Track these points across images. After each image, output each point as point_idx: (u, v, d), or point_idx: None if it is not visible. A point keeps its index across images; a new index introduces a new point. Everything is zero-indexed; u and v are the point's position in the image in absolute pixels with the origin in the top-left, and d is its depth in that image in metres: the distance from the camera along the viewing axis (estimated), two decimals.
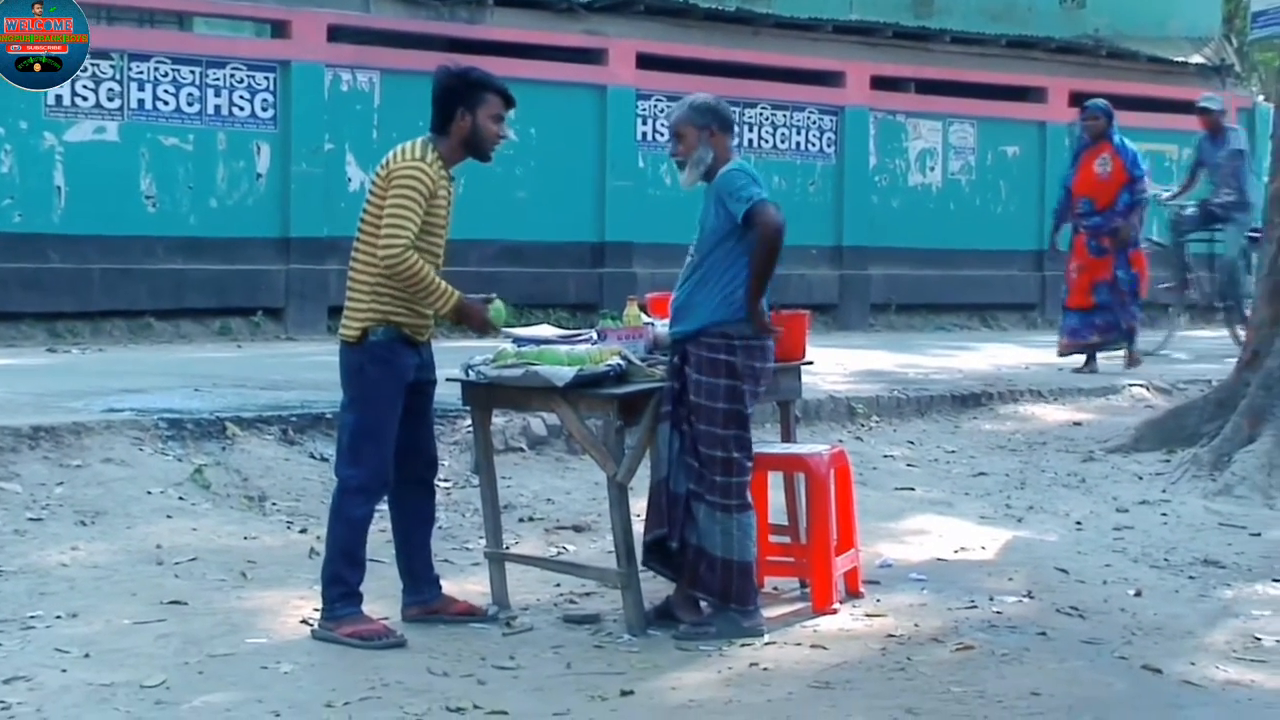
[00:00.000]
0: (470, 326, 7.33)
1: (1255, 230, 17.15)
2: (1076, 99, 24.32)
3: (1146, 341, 16.86)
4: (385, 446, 7.15)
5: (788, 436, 8.64)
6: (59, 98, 16.95)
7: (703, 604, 7.45)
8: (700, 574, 7.36)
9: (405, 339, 7.15)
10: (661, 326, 7.80)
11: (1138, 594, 8.29)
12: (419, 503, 7.47)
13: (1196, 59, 26.76)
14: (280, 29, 18.79)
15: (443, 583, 7.59)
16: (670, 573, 7.55)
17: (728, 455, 7.30)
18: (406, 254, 6.92)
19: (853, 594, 8.10)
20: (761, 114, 21.73)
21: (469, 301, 7.18)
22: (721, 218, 7.32)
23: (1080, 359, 15.92)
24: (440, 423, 8.05)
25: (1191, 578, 8.79)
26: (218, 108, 18.00)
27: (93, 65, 16.96)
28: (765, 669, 6.83)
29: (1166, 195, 18.30)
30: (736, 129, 7.61)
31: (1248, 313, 16.13)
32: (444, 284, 7.06)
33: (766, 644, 7.21)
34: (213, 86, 17.97)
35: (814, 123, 22.39)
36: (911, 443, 12.64)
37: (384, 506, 7.51)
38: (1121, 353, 16.17)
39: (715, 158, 7.44)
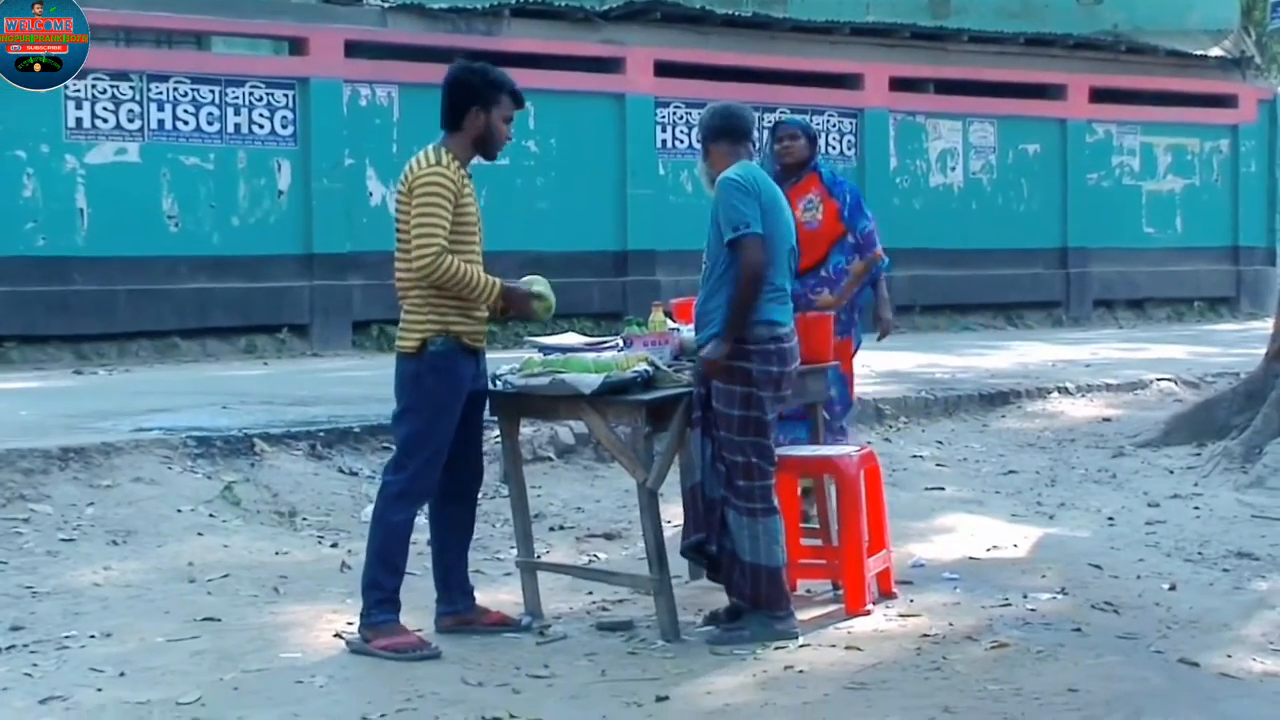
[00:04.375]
0: (518, 313, 7.37)
1: None
2: (1096, 95, 24.43)
3: None
4: (435, 456, 7.14)
5: (816, 439, 8.61)
6: (79, 120, 17.04)
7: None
8: (734, 579, 7.34)
9: (464, 348, 7.16)
10: (687, 331, 7.78)
11: (1172, 588, 8.25)
12: (460, 514, 7.45)
13: (1216, 51, 26.70)
14: (298, 46, 18.84)
15: (475, 593, 7.58)
16: (717, 577, 7.53)
17: (746, 460, 7.26)
18: (440, 258, 6.94)
19: (885, 595, 8.06)
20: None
21: (513, 287, 7.23)
22: (716, 231, 7.31)
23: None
24: None
25: (1225, 570, 8.75)
26: (237, 126, 18.07)
27: (112, 87, 17.06)
28: (800, 671, 6.80)
29: None
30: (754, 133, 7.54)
31: None
32: (485, 275, 7.08)
33: (801, 646, 7.18)
34: (232, 105, 18.04)
35: (834, 125, 22.42)
36: (940, 443, 12.62)
37: (421, 519, 7.50)
38: None
39: (713, 167, 7.44)
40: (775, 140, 9.83)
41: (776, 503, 7.40)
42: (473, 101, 7.19)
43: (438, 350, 7.07)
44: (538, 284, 7.34)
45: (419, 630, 7.23)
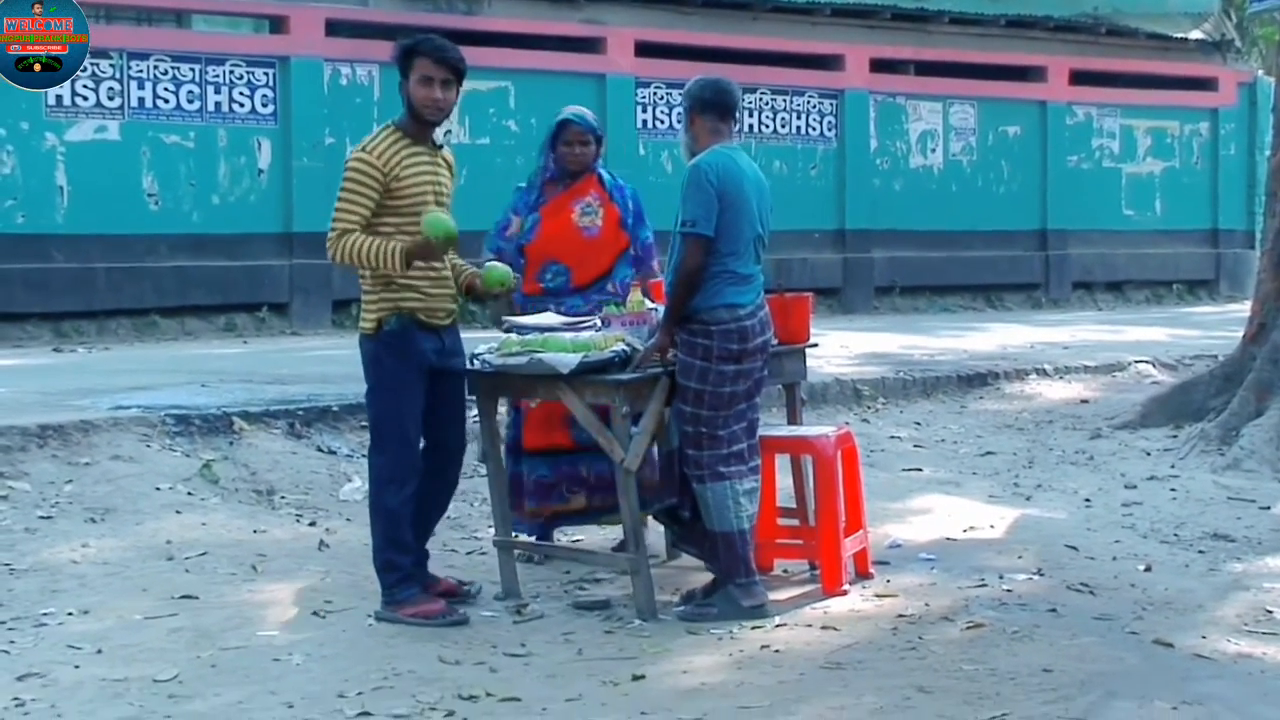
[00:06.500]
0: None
1: None
2: (1077, 77, 24.41)
3: None
4: (408, 432, 7.18)
5: (794, 419, 8.62)
6: (59, 98, 16.99)
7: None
8: (707, 547, 7.43)
9: (421, 324, 7.18)
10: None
11: (1148, 569, 8.28)
12: (435, 488, 7.41)
13: (1196, 34, 26.72)
14: (279, 24, 18.81)
15: (452, 572, 7.59)
16: (685, 546, 7.58)
17: (696, 430, 7.34)
18: (337, 241, 7.07)
19: (862, 575, 8.09)
20: (761, 99, 21.73)
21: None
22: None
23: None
24: None
25: (1201, 552, 8.78)
26: (218, 104, 18.03)
27: (92, 65, 17.00)
28: (776, 651, 6.83)
29: None
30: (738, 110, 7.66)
31: None
32: (380, 242, 7.04)
33: (777, 626, 7.20)
34: (212, 83, 18.00)
35: (814, 107, 22.42)
36: (918, 424, 12.64)
37: None
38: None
39: (695, 140, 7.48)
40: (561, 142, 8.51)
41: (724, 470, 7.36)
42: (399, 75, 7.30)
43: (392, 330, 7.13)
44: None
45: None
